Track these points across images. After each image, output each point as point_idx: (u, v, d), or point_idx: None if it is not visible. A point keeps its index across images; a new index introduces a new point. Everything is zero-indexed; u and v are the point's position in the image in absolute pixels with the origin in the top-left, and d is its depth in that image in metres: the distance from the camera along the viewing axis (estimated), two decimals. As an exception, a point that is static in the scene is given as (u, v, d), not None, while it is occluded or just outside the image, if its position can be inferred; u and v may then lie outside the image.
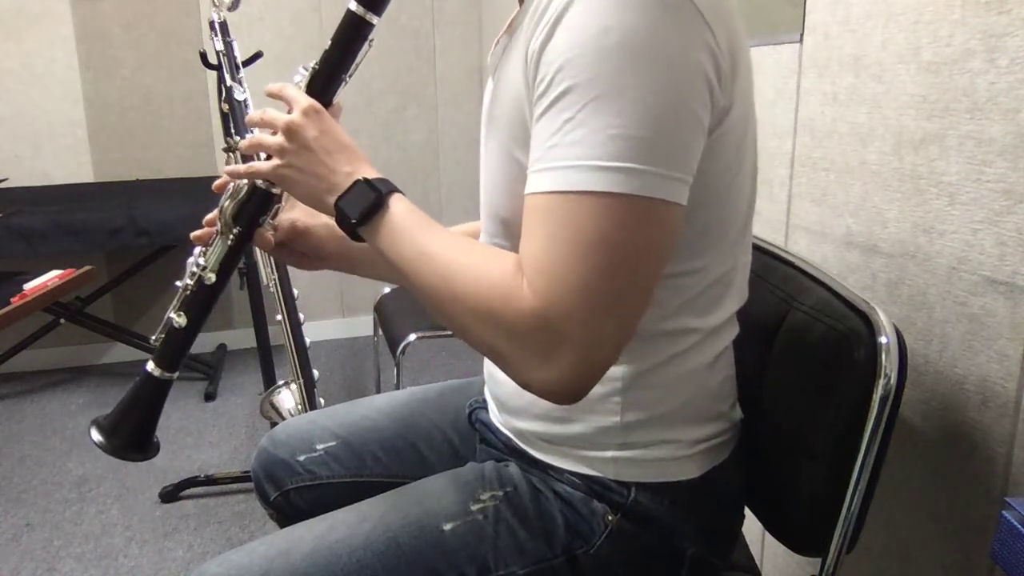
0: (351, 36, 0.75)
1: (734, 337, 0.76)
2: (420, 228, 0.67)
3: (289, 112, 0.75)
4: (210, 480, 2.05)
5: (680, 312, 0.69)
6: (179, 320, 0.82)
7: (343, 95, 0.78)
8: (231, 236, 0.81)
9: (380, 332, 2.11)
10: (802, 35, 1.11)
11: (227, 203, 0.81)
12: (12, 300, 1.59)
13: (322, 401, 1.77)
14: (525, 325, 0.57)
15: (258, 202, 0.81)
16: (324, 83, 0.77)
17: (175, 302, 0.83)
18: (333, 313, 3.24)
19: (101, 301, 2.79)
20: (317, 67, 0.77)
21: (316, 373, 1.79)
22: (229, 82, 1.58)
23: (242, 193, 0.81)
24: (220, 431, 2.39)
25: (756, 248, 0.93)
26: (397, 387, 1.89)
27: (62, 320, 2.66)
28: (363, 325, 3.22)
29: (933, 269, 0.87)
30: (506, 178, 0.68)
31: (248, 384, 2.74)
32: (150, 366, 0.83)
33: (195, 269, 0.82)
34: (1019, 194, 0.75)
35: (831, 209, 1.06)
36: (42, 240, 2.31)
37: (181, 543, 1.81)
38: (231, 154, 1.63)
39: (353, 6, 0.74)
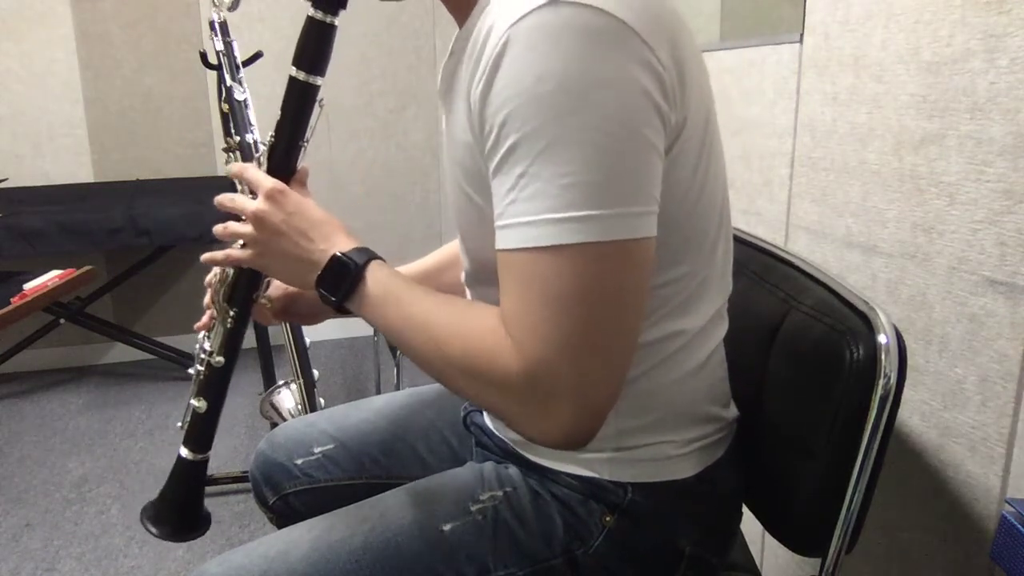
0: (300, 103, 0.75)
1: (724, 334, 0.76)
2: (401, 294, 0.67)
3: (253, 196, 0.74)
4: (210, 480, 2.05)
5: (666, 319, 0.68)
6: (200, 405, 0.86)
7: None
8: (229, 318, 0.83)
9: (380, 332, 2.11)
10: (802, 35, 1.10)
11: (217, 287, 0.84)
12: (12, 300, 1.59)
13: (322, 401, 1.77)
14: (516, 384, 0.57)
15: (246, 282, 0.82)
16: (283, 155, 0.76)
17: (192, 388, 0.86)
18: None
19: (101, 301, 2.79)
20: (273, 139, 0.77)
21: (316, 373, 1.79)
22: (229, 82, 1.58)
23: (230, 276, 0.82)
24: (220, 431, 2.37)
25: (756, 248, 0.93)
26: (397, 387, 1.89)
27: (62, 320, 2.66)
28: (363, 325, 3.18)
29: (933, 269, 0.87)
30: (466, 217, 0.69)
31: (248, 384, 2.73)
32: (183, 452, 0.87)
33: (203, 355, 0.85)
34: (1019, 194, 0.75)
35: (831, 209, 1.06)
36: (42, 240, 2.30)
37: (181, 543, 1.81)
38: (231, 154, 1.62)
39: (294, 72, 0.73)
